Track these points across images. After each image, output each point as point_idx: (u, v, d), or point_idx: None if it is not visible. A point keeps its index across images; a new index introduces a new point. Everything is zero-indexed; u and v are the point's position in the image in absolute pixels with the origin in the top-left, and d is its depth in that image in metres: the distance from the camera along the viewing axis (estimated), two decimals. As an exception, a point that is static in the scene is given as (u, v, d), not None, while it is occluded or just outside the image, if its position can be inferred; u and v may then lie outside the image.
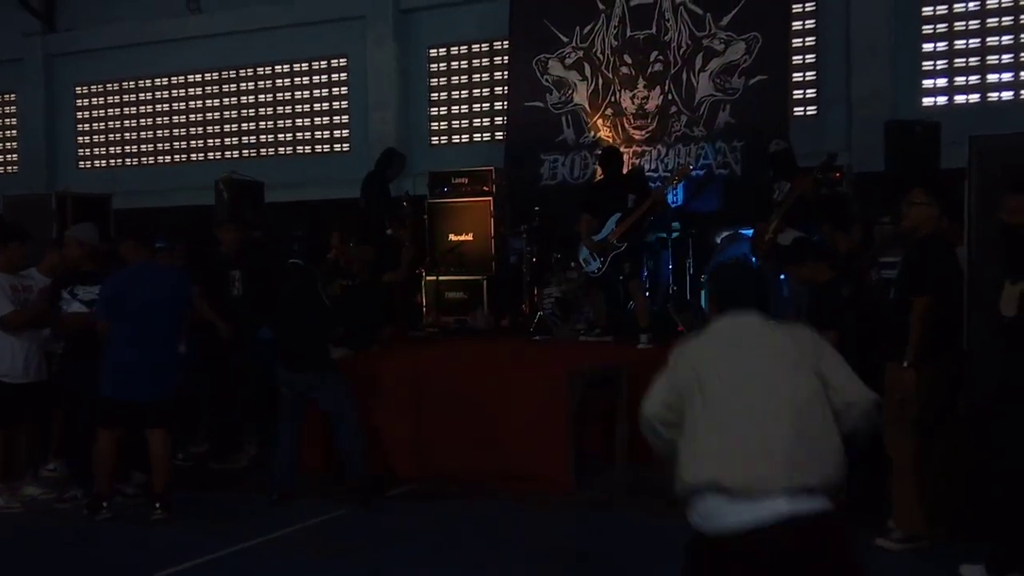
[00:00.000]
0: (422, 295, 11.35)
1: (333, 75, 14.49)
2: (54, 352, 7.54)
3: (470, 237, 11.50)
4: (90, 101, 16.41)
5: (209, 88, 15.41)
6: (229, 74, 15.18)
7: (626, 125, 11.37)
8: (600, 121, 11.52)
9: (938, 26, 11.15)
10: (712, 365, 3.35)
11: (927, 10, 11.16)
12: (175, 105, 15.70)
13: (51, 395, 7.35)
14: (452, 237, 11.54)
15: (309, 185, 13.70)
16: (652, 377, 3.59)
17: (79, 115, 16.50)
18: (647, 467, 6.60)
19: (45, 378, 7.30)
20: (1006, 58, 10.91)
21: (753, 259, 8.82)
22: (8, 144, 17.21)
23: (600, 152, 10.14)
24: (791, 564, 3.12)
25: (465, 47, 13.61)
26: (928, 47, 11.21)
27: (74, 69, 16.32)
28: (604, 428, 7.85)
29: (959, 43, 11.08)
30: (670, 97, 11.15)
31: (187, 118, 15.64)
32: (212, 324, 8.09)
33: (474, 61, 13.59)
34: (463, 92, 13.67)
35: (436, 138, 13.82)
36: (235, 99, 15.17)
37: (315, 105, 14.63)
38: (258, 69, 14.95)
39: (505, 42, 12.62)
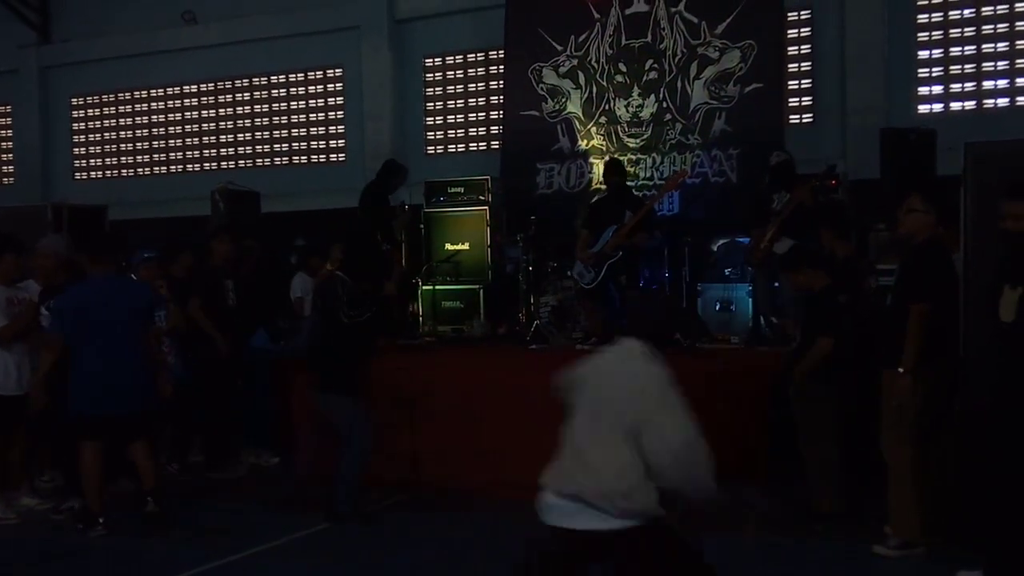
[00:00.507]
0: (418, 304, 11.35)
1: (328, 85, 14.52)
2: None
3: (466, 246, 11.52)
4: (86, 112, 16.43)
5: (204, 99, 15.43)
6: (224, 85, 15.21)
7: (620, 133, 11.38)
8: (594, 129, 11.53)
9: (933, 33, 11.19)
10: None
11: (922, 17, 11.21)
12: (171, 116, 15.74)
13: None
14: (448, 246, 11.57)
15: (305, 195, 13.72)
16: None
17: (75, 126, 16.53)
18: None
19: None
20: (1001, 65, 10.95)
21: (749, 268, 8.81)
22: (4, 156, 17.23)
23: (604, 163, 10.16)
24: None
25: (460, 56, 13.65)
26: (923, 54, 11.26)
27: (70, 80, 16.35)
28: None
29: (954, 50, 11.13)
30: (665, 105, 11.16)
31: (183, 129, 15.67)
32: (206, 334, 8.07)
33: (469, 70, 13.63)
34: (458, 101, 13.71)
35: (432, 147, 13.85)
36: (231, 109, 15.20)
37: (311, 115, 14.66)
38: (253, 79, 14.97)
39: (500, 51, 12.64)
